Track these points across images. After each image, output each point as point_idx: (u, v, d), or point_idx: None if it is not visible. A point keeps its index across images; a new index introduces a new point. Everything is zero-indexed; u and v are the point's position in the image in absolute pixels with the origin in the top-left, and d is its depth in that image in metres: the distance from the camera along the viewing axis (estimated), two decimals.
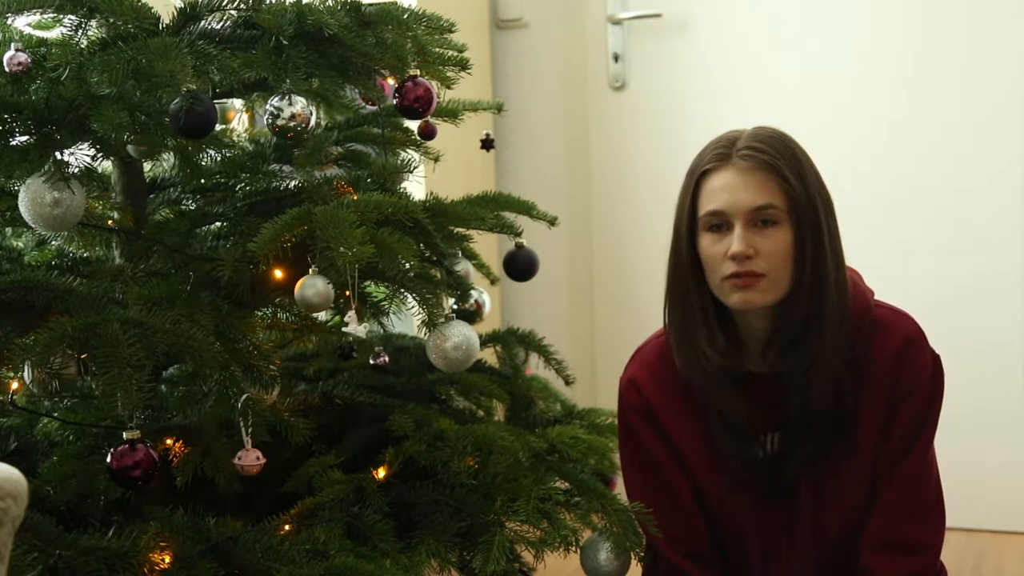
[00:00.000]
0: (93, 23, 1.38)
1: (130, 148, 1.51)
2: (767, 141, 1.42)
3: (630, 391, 1.55)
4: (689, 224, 1.44)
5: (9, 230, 1.65)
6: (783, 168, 1.39)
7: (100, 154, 1.43)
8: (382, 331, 1.87)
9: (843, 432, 1.46)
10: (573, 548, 1.49)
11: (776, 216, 1.39)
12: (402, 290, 1.48)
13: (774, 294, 1.41)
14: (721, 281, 1.41)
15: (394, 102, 1.46)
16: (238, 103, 1.86)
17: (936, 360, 1.49)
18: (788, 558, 1.53)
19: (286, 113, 1.34)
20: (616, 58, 2.87)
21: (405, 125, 1.71)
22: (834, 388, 1.44)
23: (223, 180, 1.68)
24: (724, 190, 1.40)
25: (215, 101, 1.44)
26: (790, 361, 1.43)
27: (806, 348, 1.42)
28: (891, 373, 1.46)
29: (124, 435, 1.27)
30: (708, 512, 1.54)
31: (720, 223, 1.41)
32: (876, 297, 1.51)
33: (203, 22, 1.42)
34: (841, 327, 1.43)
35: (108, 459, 1.27)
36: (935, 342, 1.50)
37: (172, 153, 1.59)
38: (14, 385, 1.52)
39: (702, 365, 1.45)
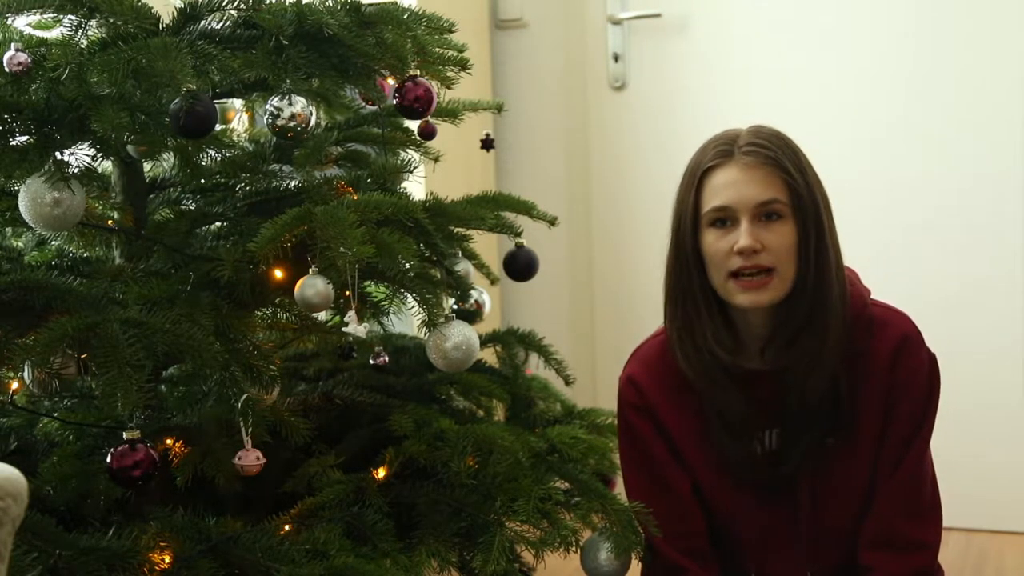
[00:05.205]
0: (93, 23, 1.38)
1: (130, 148, 1.51)
2: (768, 138, 1.43)
3: (629, 389, 1.56)
4: (692, 221, 1.45)
5: (9, 230, 1.65)
6: (786, 163, 1.41)
7: (100, 154, 1.42)
8: (382, 331, 1.87)
9: (841, 429, 1.47)
10: (573, 548, 1.49)
11: (780, 210, 1.41)
12: (402, 290, 1.48)
13: (780, 290, 1.42)
14: (726, 277, 1.42)
15: (394, 102, 1.46)
16: (238, 103, 1.86)
17: (932, 359, 1.50)
18: (786, 553, 1.54)
19: (286, 113, 1.34)
20: (616, 58, 2.87)
21: (405, 125, 1.71)
22: (831, 384, 1.45)
23: (223, 180, 1.68)
24: (729, 186, 1.41)
25: (215, 101, 1.44)
26: (789, 358, 1.44)
27: (805, 344, 1.43)
28: (888, 370, 1.47)
29: (124, 435, 1.27)
30: (707, 508, 1.55)
31: (725, 218, 1.42)
32: (875, 297, 1.52)
33: (203, 22, 1.42)
34: (841, 323, 1.44)
35: (108, 459, 1.27)
36: (935, 342, 1.50)
37: (172, 153, 1.59)
38: (14, 385, 1.52)
39: (705, 362, 1.46)
